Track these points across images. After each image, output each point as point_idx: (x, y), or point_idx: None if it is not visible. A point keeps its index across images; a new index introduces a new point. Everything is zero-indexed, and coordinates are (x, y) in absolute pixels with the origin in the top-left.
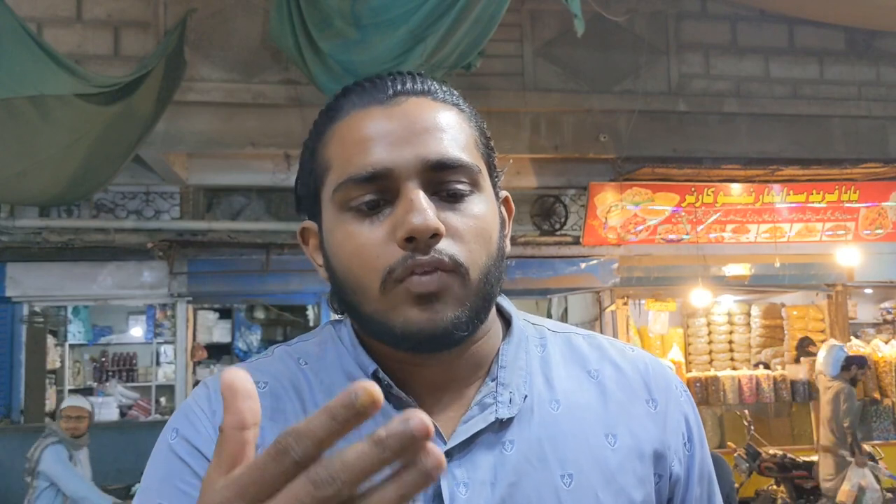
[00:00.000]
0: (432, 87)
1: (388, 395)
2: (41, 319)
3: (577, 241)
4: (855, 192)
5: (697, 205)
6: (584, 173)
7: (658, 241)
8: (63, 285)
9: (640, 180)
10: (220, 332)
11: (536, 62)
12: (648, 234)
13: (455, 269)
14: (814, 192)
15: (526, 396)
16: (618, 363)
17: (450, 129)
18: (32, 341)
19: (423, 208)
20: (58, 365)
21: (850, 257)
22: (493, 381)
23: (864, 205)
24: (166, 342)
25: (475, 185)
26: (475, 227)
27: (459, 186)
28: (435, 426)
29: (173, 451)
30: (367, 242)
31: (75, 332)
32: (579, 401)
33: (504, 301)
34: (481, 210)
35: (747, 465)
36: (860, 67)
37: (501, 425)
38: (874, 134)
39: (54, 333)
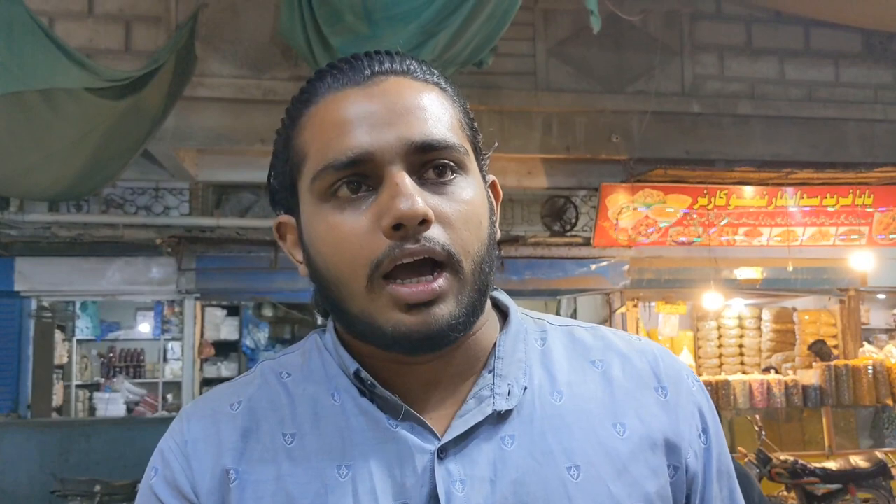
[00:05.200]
0: (412, 67)
1: (373, 396)
2: (49, 314)
3: (587, 243)
4: (869, 196)
5: (710, 207)
6: (596, 174)
7: (669, 244)
8: (71, 280)
9: (652, 182)
10: (227, 330)
11: (549, 62)
12: (660, 235)
13: (448, 260)
14: (828, 195)
15: (525, 388)
16: (624, 352)
17: (433, 109)
18: (40, 336)
19: (409, 193)
20: (65, 360)
21: (863, 262)
22: (489, 373)
23: (878, 209)
24: (174, 339)
25: (462, 168)
26: (465, 211)
27: (446, 166)
28: (426, 423)
29: (153, 491)
30: (351, 233)
31: (83, 327)
32: (583, 391)
33: (501, 294)
34: (470, 194)
35: (758, 470)
36: (877, 70)
37: (500, 418)
38: (890, 137)
39: (62, 328)
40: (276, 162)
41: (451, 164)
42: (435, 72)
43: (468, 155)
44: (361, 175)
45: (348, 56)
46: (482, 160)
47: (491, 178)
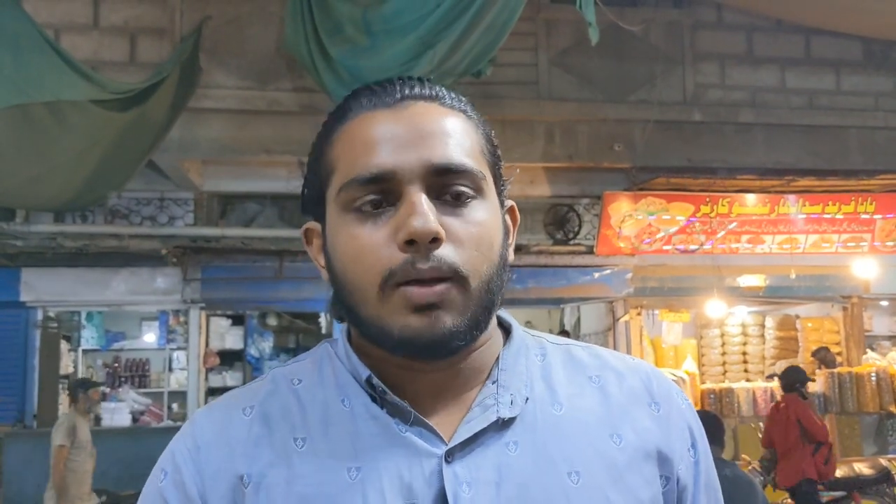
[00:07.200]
0: (440, 93)
1: (383, 402)
2: (55, 324)
3: (590, 251)
4: (871, 204)
5: (712, 215)
6: (599, 182)
7: (672, 252)
8: (77, 291)
9: (654, 190)
10: (232, 339)
11: (551, 71)
12: (663, 244)
13: (454, 277)
14: (830, 203)
15: (527, 399)
16: (619, 370)
17: (456, 135)
18: (46, 346)
19: (424, 211)
20: (71, 370)
21: (866, 269)
22: (493, 383)
23: (880, 216)
24: (179, 348)
25: (479, 191)
26: (477, 233)
27: (463, 190)
28: (433, 428)
29: (162, 495)
30: (368, 244)
31: (88, 337)
32: (582, 403)
33: (504, 313)
34: (483, 217)
35: (762, 478)
36: (877, 78)
37: (503, 425)
38: (891, 145)
39: (68, 339)
40: (309, 172)
41: (469, 189)
42: (463, 99)
43: (486, 180)
44: (383, 192)
45: (383, 80)
46: (502, 186)
47: (509, 203)
